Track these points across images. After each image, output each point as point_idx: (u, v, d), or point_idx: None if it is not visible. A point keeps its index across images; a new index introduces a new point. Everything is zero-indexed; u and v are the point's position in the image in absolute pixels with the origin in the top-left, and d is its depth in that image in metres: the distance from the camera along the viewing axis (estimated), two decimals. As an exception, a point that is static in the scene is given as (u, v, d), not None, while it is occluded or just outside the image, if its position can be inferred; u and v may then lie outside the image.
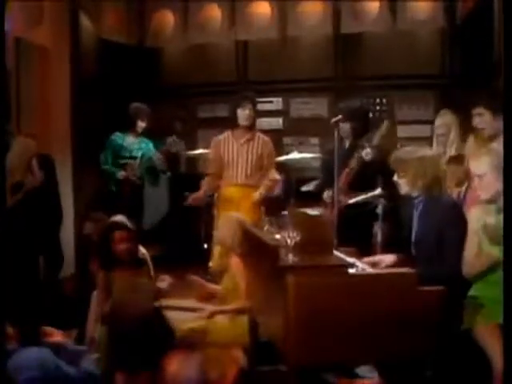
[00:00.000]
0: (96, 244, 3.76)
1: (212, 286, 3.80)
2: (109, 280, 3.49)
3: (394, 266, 3.10)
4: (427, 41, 6.58)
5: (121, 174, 5.48)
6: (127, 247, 3.48)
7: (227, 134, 4.85)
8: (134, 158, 5.56)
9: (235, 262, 3.50)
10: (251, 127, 4.81)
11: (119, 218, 4.45)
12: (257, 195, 4.71)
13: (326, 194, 4.56)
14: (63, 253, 5.21)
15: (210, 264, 4.82)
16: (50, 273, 5.00)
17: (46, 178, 4.81)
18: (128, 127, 5.60)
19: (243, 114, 4.73)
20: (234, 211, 4.65)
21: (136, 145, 5.62)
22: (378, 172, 4.29)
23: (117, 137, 5.61)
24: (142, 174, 5.58)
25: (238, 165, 4.76)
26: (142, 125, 5.58)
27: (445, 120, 4.28)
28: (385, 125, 4.41)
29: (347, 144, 4.63)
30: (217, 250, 4.50)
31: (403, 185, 3.20)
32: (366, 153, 4.34)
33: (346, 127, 4.46)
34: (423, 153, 3.20)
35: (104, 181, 5.62)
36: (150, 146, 5.63)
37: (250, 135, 4.79)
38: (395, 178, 3.23)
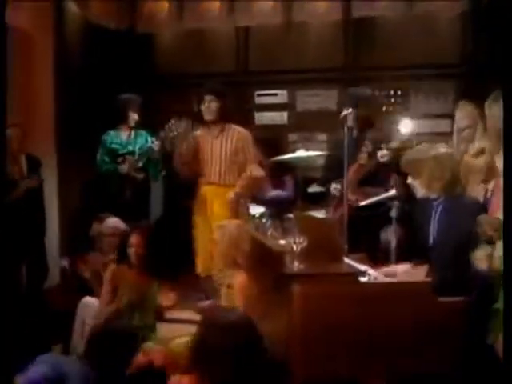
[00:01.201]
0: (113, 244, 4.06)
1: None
2: (118, 278, 3.69)
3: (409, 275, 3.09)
4: (447, 26, 6.57)
5: (122, 167, 5.45)
6: (141, 252, 3.71)
7: (202, 128, 4.81)
8: (131, 153, 5.56)
9: (239, 282, 3.41)
10: (220, 120, 4.71)
11: (113, 220, 4.53)
12: (230, 195, 4.55)
13: (334, 187, 4.59)
14: (47, 261, 5.23)
15: (198, 272, 4.79)
16: (33, 283, 5.02)
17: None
18: (119, 121, 5.60)
19: (204, 108, 4.70)
20: (207, 213, 4.66)
21: (131, 140, 5.61)
22: (392, 171, 4.32)
23: (109, 136, 5.61)
24: (143, 166, 5.54)
25: (212, 161, 4.69)
26: (134, 117, 5.57)
27: (466, 112, 4.27)
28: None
29: (354, 134, 4.67)
30: (200, 257, 4.59)
31: (418, 187, 3.19)
32: (383, 154, 4.42)
33: (353, 115, 4.50)
34: (437, 151, 3.19)
35: (98, 182, 5.62)
36: (148, 137, 5.63)
37: (220, 127, 4.71)
38: (409, 180, 3.23)
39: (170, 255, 6.13)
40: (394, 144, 4.40)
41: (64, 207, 5.86)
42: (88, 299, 4.15)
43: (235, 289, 3.40)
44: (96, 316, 3.71)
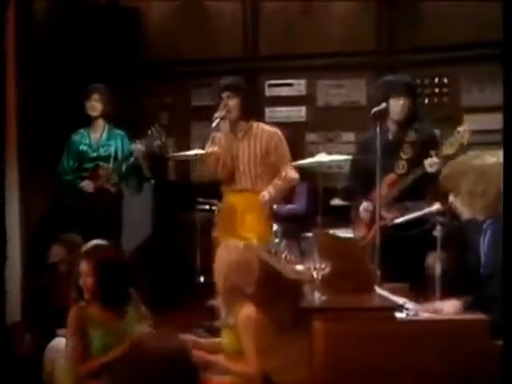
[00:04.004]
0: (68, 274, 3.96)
1: (210, 342, 3.79)
2: (84, 318, 3.63)
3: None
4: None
5: (85, 183, 5.49)
6: (90, 282, 3.63)
7: (222, 129, 4.97)
8: (104, 158, 5.57)
9: (246, 317, 3.40)
10: (243, 119, 4.96)
11: (55, 246, 4.54)
12: (264, 196, 4.79)
13: (364, 208, 4.58)
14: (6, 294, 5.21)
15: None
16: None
17: None
18: (80, 114, 5.63)
19: (222, 106, 4.90)
20: (236, 227, 4.76)
21: (104, 141, 5.65)
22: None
23: (79, 135, 5.65)
24: (120, 178, 5.58)
25: (240, 166, 4.91)
26: (94, 106, 5.58)
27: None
28: (462, 131, 4.39)
29: (390, 136, 4.67)
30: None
31: (461, 208, 3.20)
32: (432, 163, 4.37)
33: (388, 110, 4.53)
34: (483, 161, 3.17)
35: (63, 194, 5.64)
36: (125, 140, 5.65)
37: (247, 126, 4.97)
38: (450, 198, 3.23)
39: (164, 279, 6.18)
40: (448, 149, 4.33)
41: (27, 228, 5.85)
42: (59, 341, 4.12)
43: (240, 324, 3.39)
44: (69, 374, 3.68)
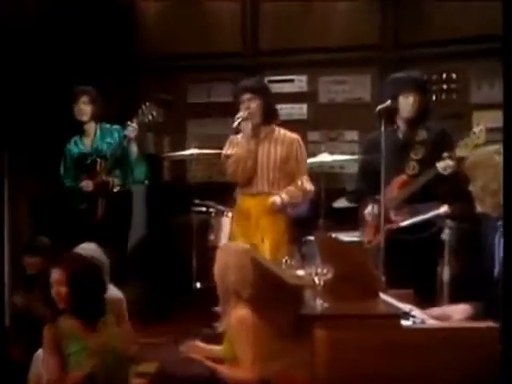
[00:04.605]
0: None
1: (214, 349, 3.80)
2: (58, 335, 3.60)
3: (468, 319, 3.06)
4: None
5: (84, 183, 5.52)
6: (63, 291, 3.62)
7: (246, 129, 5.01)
8: (102, 156, 5.61)
9: (238, 320, 3.45)
10: (265, 122, 5.00)
11: (90, 248, 4.53)
12: (276, 200, 4.83)
13: (369, 211, 4.58)
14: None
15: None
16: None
17: None
18: (68, 118, 5.62)
19: (243, 109, 4.92)
20: (251, 232, 4.83)
21: (97, 140, 5.67)
22: (453, 188, 4.30)
23: (72, 144, 5.69)
24: (121, 169, 5.59)
25: (259, 169, 4.95)
26: (83, 110, 5.57)
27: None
28: (478, 131, 4.37)
29: (400, 135, 4.68)
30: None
31: (474, 199, 3.22)
32: (446, 166, 4.36)
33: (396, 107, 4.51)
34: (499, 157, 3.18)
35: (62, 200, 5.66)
36: (118, 132, 5.66)
37: (268, 129, 5.01)
38: (470, 187, 3.27)
39: (159, 285, 6.17)
40: (463, 151, 4.30)
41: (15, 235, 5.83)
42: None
43: (233, 328, 3.43)
44: None
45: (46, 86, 6.14)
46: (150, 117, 5.41)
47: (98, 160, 5.58)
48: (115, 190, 5.59)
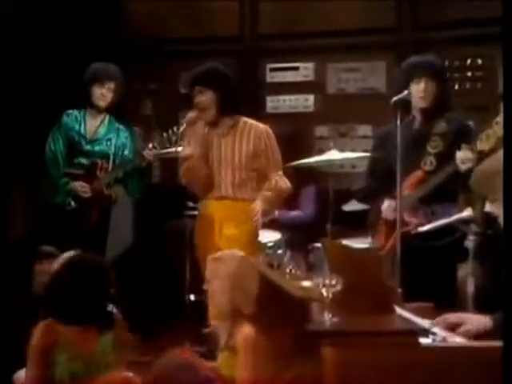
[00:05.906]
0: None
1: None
2: (51, 337, 3.62)
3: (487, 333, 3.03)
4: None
5: (80, 186, 5.44)
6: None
7: (202, 123, 4.98)
8: (102, 155, 5.53)
9: (244, 337, 3.40)
10: (226, 113, 4.92)
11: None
12: (256, 207, 4.75)
13: (386, 206, 4.53)
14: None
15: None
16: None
17: None
18: (82, 102, 5.59)
19: (196, 102, 4.88)
20: (215, 239, 4.79)
21: (102, 134, 5.59)
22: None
23: (72, 118, 5.59)
24: (118, 181, 5.58)
25: (221, 169, 4.88)
26: (103, 95, 5.52)
27: None
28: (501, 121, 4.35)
29: (416, 127, 4.66)
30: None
31: (499, 213, 3.18)
32: (465, 159, 4.33)
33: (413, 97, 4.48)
34: None
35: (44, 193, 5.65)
36: (129, 137, 5.65)
37: (230, 122, 4.91)
38: (487, 207, 3.22)
39: (149, 297, 6.18)
40: (484, 143, 4.28)
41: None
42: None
43: (239, 346, 3.39)
44: None
45: (29, 75, 6.14)
46: (172, 148, 5.36)
47: (99, 162, 5.53)
48: (109, 199, 5.59)
